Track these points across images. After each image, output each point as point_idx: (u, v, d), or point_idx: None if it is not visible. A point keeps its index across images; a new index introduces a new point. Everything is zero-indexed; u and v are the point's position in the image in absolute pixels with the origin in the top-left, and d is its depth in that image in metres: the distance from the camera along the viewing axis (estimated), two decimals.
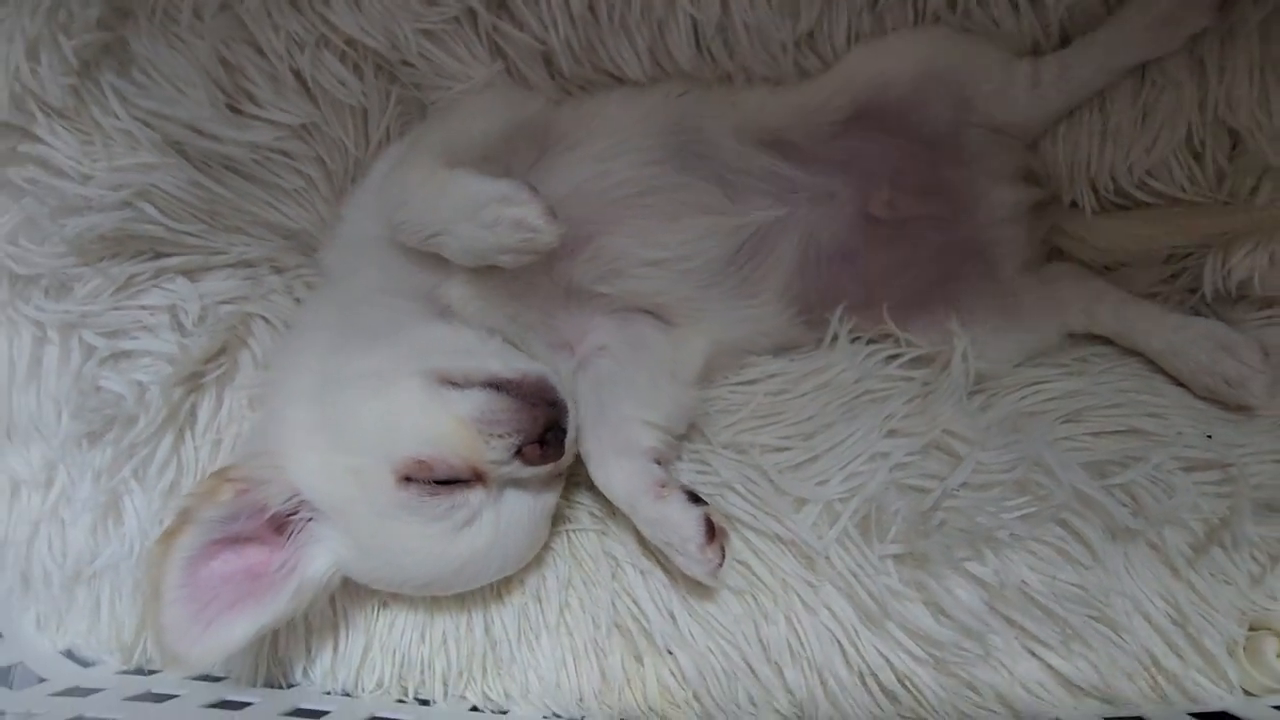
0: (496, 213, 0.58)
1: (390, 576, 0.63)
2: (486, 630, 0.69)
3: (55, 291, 0.68)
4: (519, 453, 0.60)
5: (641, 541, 0.69)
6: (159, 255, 0.71)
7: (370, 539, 0.61)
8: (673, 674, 0.68)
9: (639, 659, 0.68)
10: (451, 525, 0.60)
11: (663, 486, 0.64)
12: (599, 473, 0.66)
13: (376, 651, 0.70)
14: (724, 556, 0.64)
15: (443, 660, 0.69)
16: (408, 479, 0.59)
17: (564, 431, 0.62)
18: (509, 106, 0.69)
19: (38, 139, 0.65)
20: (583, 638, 0.69)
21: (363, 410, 0.60)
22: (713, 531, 0.63)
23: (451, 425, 0.59)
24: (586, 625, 0.69)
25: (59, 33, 0.62)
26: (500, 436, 0.59)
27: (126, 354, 0.70)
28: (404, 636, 0.69)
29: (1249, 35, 0.63)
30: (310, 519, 0.61)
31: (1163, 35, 0.63)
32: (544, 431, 0.60)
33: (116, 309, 0.70)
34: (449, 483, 0.59)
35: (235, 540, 0.60)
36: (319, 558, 0.61)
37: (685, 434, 0.74)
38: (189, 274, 0.72)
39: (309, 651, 0.70)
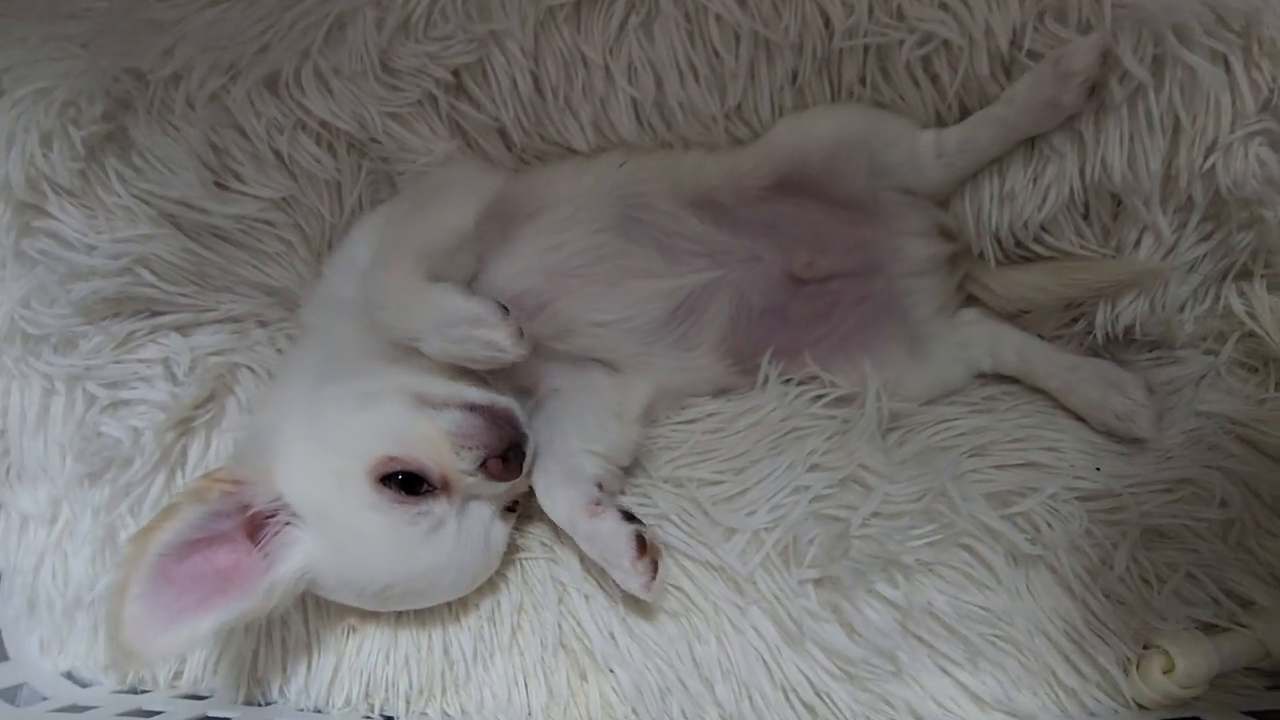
0: (467, 332, 0.66)
1: (354, 581, 0.68)
2: (445, 651, 0.76)
3: (62, 348, 0.77)
4: (484, 465, 0.67)
5: (586, 567, 0.76)
6: (155, 314, 0.79)
7: (342, 539, 0.67)
8: (614, 690, 0.74)
9: (583, 676, 0.74)
10: (418, 531, 0.66)
11: (598, 504, 0.70)
12: (545, 499, 0.73)
13: (345, 671, 0.76)
14: (656, 571, 0.69)
15: (405, 679, 0.75)
16: (383, 481, 0.65)
17: (524, 454, 0.70)
18: (477, 193, 0.76)
19: (49, 215, 0.74)
20: (532, 657, 0.75)
21: (350, 419, 0.68)
22: (644, 547, 0.69)
23: (429, 433, 0.67)
24: (535, 646, 0.75)
25: (69, 125, 0.72)
26: (469, 449, 0.67)
27: (125, 402, 0.78)
28: (370, 657, 0.76)
29: (1118, 110, 0.70)
30: (288, 523, 0.66)
31: (1045, 116, 0.71)
32: (507, 449, 0.69)
33: (116, 362, 0.78)
34: (419, 492, 0.66)
35: (210, 541, 0.64)
36: (292, 560, 0.66)
37: (629, 468, 0.80)
38: (181, 329, 0.80)
39: (284, 671, 0.77)
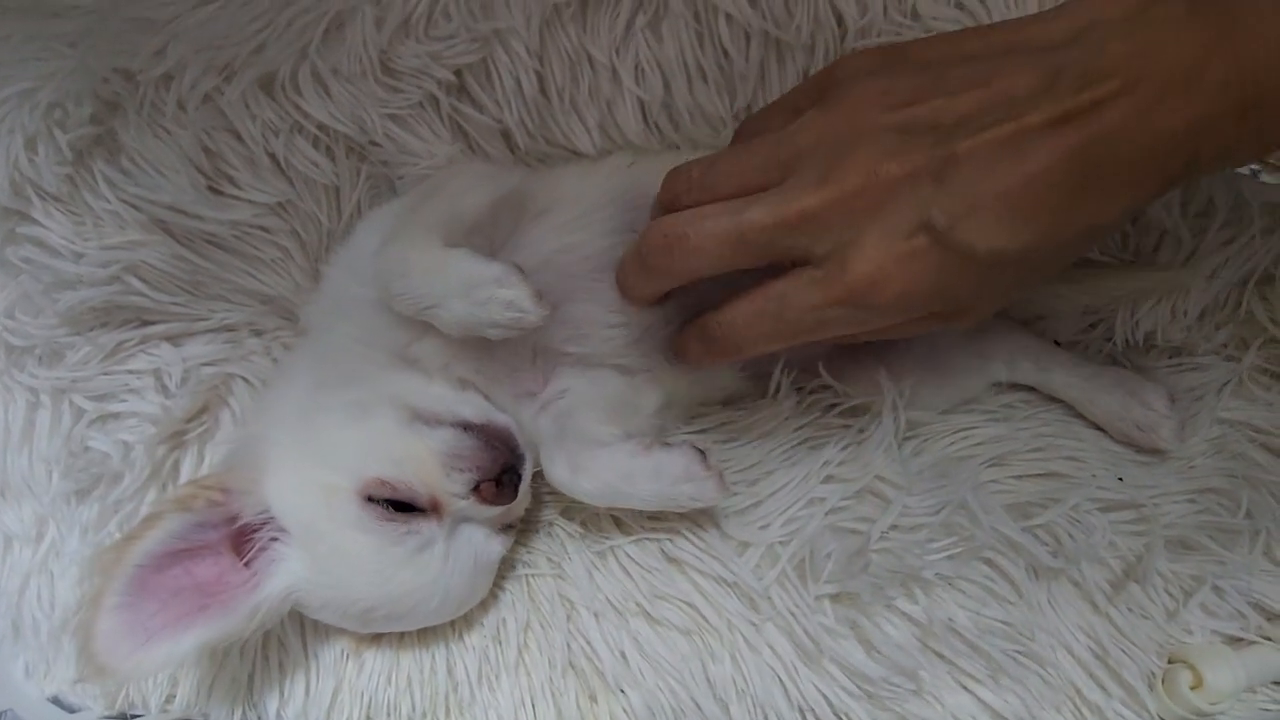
0: (489, 293, 0.62)
1: (336, 601, 0.66)
2: (449, 672, 0.73)
3: (48, 360, 0.73)
4: (476, 489, 0.65)
5: (595, 584, 0.73)
6: (145, 323, 0.76)
7: (327, 556, 0.64)
8: (625, 711, 0.71)
9: (593, 698, 0.72)
10: (404, 551, 0.64)
11: (646, 447, 0.67)
12: (570, 481, 0.68)
13: (345, 694, 0.73)
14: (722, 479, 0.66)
15: (408, 702, 0.73)
16: (370, 498, 0.63)
17: (519, 477, 0.67)
18: (492, 182, 0.74)
19: (34, 221, 0.71)
20: (540, 678, 0.72)
21: (341, 433, 0.65)
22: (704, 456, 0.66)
23: (419, 453, 0.64)
24: (543, 666, 0.72)
25: (55, 128, 0.68)
26: (461, 471, 0.64)
27: (114, 415, 0.75)
28: (371, 679, 0.73)
29: None
30: (275, 538, 0.64)
31: None
32: (501, 473, 0.66)
33: (105, 374, 0.75)
34: (407, 510, 0.64)
35: (191, 553, 0.61)
36: (278, 577, 0.63)
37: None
38: (173, 339, 0.77)
39: (282, 694, 0.74)
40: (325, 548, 0.64)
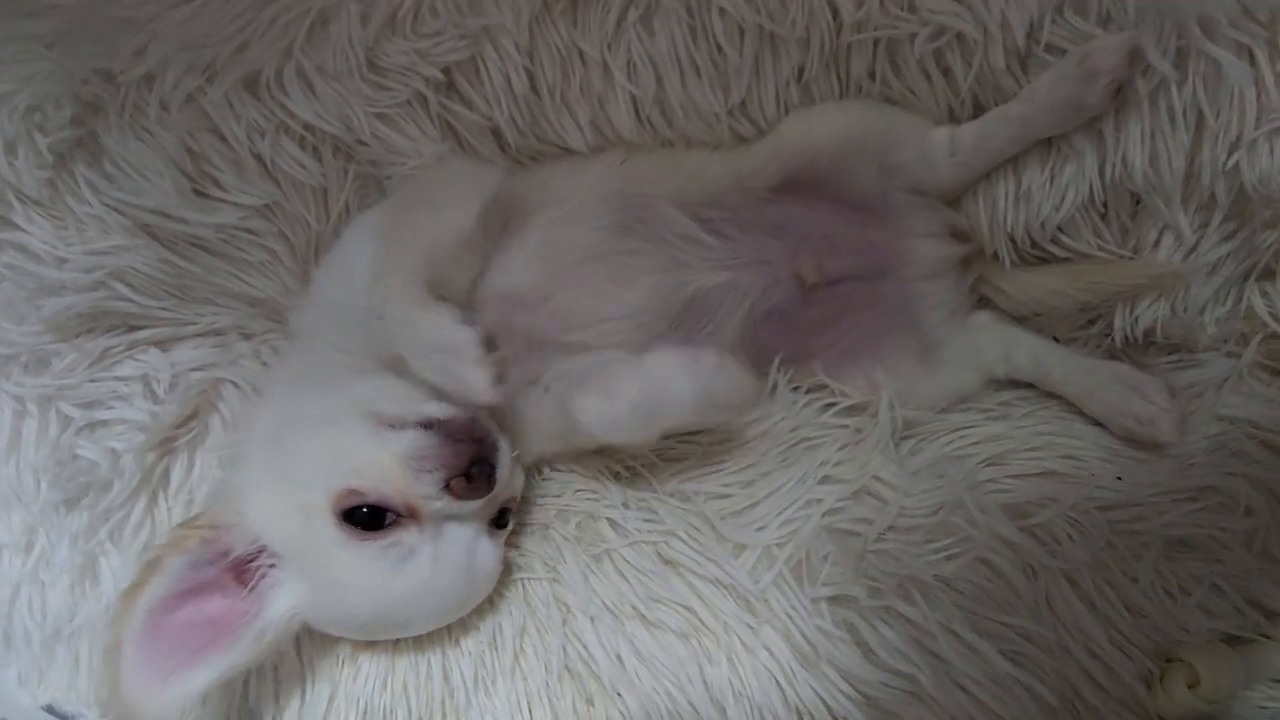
0: (444, 361, 0.63)
1: (339, 616, 0.66)
2: (445, 677, 0.72)
3: (33, 367, 0.73)
4: (447, 487, 0.63)
5: (590, 587, 0.73)
6: (132, 329, 0.76)
7: (319, 577, 0.64)
8: (621, 715, 0.70)
9: (590, 701, 0.72)
10: (389, 563, 0.63)
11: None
12: (608, 411, 0.64)
13: (341, 700, 0.72)
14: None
15: (404, 707, 0.72)
16: (347, 517, 0.62)
17: (491, 466, 0.65)
18: (478, 190, 0.73)
19: (16, 227, 0.70)
20: (536, 682, 0.72)
21: (308, 447, 0.65)
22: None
23: (386, 460, 0.63)
24: (539, 670, 0.72)
25: (35, 130, 0.67)
26: (428, 471, 0.63)
27: (102, 423, 0.74)
28: (367, 685, 0.73)
29: (1139, 105, 0.68)
30: (271, 565, 0.64)
31: (1067, 116, 0.68)
32: (469, 466, 0.64)
33: (92, 381, 0.74)
34: (386, 525, 0.63)
35: (198, 590, 0.63)
36: (279, 601, 0.64)
37: (631, 480, 0.77)
38: (161, 345, 0.77)
39: (277, 701, 0.73)
40: (316, 569, 0.63)
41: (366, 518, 0.62)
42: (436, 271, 0.66)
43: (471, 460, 0.64)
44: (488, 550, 0.69)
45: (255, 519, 0.64)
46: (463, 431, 0.65)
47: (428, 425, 0.64)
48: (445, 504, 0.64)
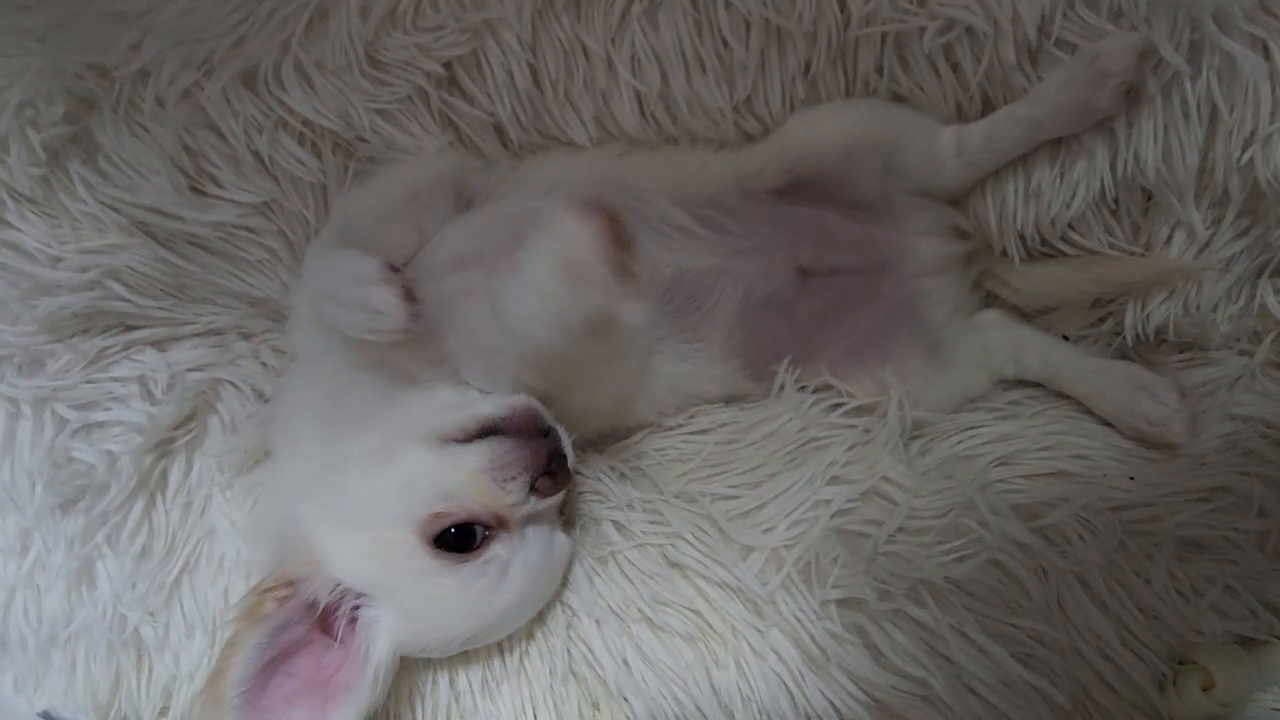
0: (350, 292, 0.59)
1: (439, 640, 0.65)
2: (451, 683, 0.71)
3: (28, 368, 0.71)
4: (533, 488, 0.63)
5: (596, 590, 0.72)
6: (128, 329, 0.74)
7: (416, 607, 0.63)
8: (628, 719, 0.70)
9: (596, 705, 0.71)
10: (490, 580, 0.63)
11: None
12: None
13: None
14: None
15: (409, 715, 0.71)
16: (437, 541, 0.61)
17: (565, 457, 0.65)
18: (417, 168, 0.72)
19: (9, 225, 0.68)
20: (541, 686, 0.71)
21: (373, 485, 0.63)
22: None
23: (466, 477, 0.62)
24: (545, 674, 0.71)
25: (27, 127, 0.66)
26: (512, 478, 0.62)
27: (98, 425, 0.73)
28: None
29: (1151, 100, 0.67)
30: (358, 605, 0.62)
31: (1077, 118, 0.67)
32: (549, 462, 0.64)
33: (88, 382, 0.73)
34: (479, 543, 0.62)
35: (282, 657, 0.59)
36: (380, 639, 0.62)
37: (636, 480, 0.76)
38: (158, 345, 0.75)
39: None
40: (413, 599, 0.62)
41: (456, 539, 0.61)
42: (356, 239, 0.63)
43: (550, 455, 0.64)
44: (562, 542, 0.69)
45: (332, 562, 0.61)
46: (529, 425, 0.64)
47: (491, 430, 0.63)
48: (532, 505, 0.63)
